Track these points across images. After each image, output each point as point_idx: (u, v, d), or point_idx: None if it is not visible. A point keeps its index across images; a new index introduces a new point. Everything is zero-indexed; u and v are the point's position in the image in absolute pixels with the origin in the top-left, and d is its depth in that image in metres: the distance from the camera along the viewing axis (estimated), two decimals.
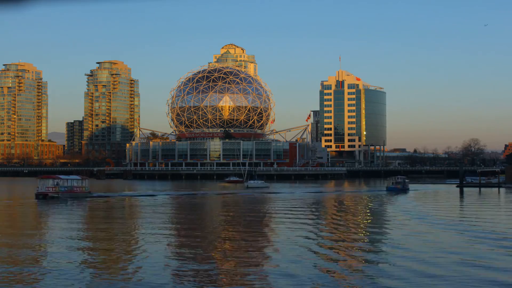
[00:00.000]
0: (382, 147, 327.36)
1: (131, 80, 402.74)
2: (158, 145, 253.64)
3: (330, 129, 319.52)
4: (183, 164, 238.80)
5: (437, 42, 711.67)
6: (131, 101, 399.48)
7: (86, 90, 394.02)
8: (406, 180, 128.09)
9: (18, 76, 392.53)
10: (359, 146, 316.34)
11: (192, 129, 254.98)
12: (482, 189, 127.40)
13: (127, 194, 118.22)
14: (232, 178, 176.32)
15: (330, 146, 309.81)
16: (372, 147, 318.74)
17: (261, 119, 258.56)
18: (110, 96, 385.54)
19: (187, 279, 30.67)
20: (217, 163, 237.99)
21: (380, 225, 58.30)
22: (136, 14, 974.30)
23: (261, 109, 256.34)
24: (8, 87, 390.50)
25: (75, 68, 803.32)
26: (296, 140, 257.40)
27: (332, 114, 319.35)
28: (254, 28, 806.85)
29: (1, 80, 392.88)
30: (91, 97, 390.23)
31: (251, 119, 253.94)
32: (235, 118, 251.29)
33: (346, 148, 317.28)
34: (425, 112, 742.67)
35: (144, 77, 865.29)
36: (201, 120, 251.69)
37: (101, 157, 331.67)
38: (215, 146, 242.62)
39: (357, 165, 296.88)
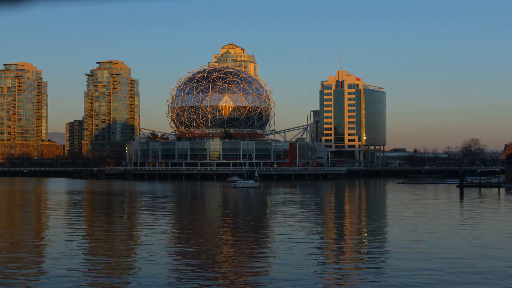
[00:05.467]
0: (382, 147, 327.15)
1: (131, 80, 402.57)
2: (158, 145, 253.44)
3: (330, 129, 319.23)
4: (183, 164, 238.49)
5: (437, 42, 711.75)
6: (131, 101, 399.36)
7: (86, 90, 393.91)
8: None
9: (18, 76, 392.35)
10: (359, 146, 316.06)
11: (192, 129, 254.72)
12: (482, 189, 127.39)
13: None
14: (233, 178, 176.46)
15: (330, 146, 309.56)
16: (372, 147, 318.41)
17: (261, 119, 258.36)
18: (110, 96, 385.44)
19: None
20: (217, 163, 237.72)
21: None
22: (136, 14, 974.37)
23: (261, 109, 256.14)
24: (8, 87, 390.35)
25: (75, 68, 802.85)
26: (296, 140, 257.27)
27: (332, 114, 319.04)
28: (254, 28, 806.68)
29: (1, 80, 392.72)
30: (91, 97, 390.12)
31: (251, 119, 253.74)
32: (235, 118, 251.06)
33: (346, 148, 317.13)
34: (425, 112, 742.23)
35: (144, 77, 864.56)
36: (201, 120, 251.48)
37: (101, 156, 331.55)
38: (215, 146, 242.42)
39: (357, 165, 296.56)
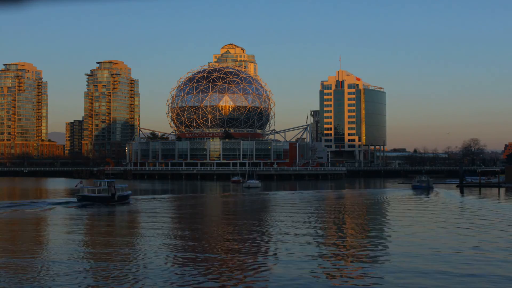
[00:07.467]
0: (382, 147, 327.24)
1: (131, 80, 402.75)
2: (158, 145, 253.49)
3: (330, 129, 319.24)
4: (183, 164, 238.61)
5: (437, 42, 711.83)
6: (131, 101, 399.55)
7: (86, 90, 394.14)
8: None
9: (18, 76, 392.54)
10: (359, 146, 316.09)
11: (192, 129, 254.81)
12: (482, 189, 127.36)
13: None
14: (235, 178, 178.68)
15: (330, 146, 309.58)
16: (372, 147, 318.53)
17: (261, 119, 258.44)
18: (110, 96, 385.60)
19: None
20: (217, 163, 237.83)
21: None
22: (136, 14, 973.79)
23: (261, 109, 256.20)
24: (8, 87, 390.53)
25: (75, 68, 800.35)
26: (296, 140, 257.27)
27: (332, 114, 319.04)
28: (254, 28, 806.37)
29: (1, 80, 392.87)
30: (91, 97, 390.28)
31: (251, 119, 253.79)
32: (235, 118, 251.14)
33: (346, 148, 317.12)
34: (425, 112, 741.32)
35: (144, 77, 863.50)
36: (201, 120, 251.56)
37: (101, 156, 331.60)
38: (215, 146, 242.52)
39: (357, 165, 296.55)
